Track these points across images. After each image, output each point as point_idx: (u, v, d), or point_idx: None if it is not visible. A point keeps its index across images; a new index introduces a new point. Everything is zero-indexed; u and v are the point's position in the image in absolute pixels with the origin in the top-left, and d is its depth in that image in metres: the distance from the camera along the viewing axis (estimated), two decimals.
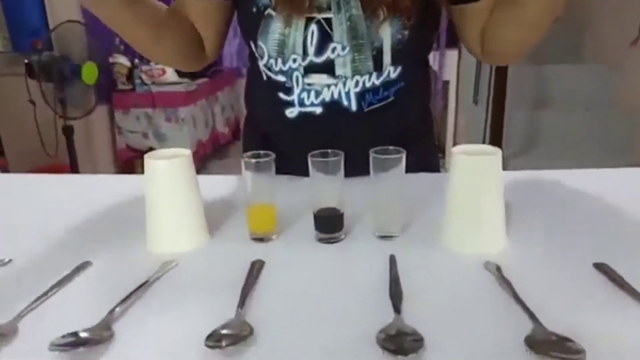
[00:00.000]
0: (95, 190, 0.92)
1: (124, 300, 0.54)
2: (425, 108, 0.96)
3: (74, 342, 0.47)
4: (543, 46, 3.40)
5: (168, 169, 0.65)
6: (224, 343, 0.46)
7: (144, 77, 3.10)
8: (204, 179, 0.73)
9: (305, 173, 0.67)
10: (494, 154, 0.63)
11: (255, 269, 0.61)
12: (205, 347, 0.46)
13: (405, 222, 0.71)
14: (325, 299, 0.55)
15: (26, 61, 2.47)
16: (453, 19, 0.86)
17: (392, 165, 0.65)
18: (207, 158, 3.60)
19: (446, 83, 3.59)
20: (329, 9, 0.78)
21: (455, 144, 3.03)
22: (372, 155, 0.65)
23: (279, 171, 0.74)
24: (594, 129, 3.16)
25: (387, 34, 0.79)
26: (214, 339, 0.46)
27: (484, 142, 2.40)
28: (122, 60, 3.06)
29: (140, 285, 0.57)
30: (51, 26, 2.61)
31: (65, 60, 2.50)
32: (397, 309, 0.51)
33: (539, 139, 3.27)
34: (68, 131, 2.65)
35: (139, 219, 0.68)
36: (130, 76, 3.12)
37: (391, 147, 0.66)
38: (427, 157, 0.96)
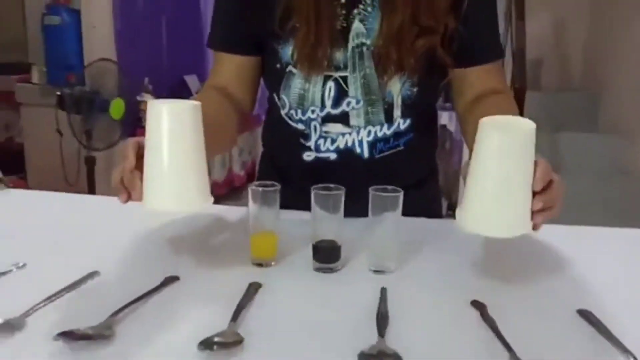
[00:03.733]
0: (109, 210, 0.97)
1: (125, 306, 0.58)
2: (432, 155, 1.01)
3: (76, 335, 0.50)
4: (559, 113, 3.45)
5: (172, 114, 0.61)
6: (215, 347, 0.49)
7: None
8: (214, 207, 0.76)
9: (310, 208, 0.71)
10: (526, 125, 0.59)
11: (252, 289, 0.64)
12: (197, 351, 0.49)
13: (401, 260, 0.74)
14: (314, 320, 0.58)
15: (58, 93, 2.61)
16: (452, 81, 0.90)
17: (390, 203, 0.69)
18: (220, 200, 3.67)
19: (460, 142, 3.65)
20: (345, 67, 0.85)
21: None
22: (371, 192, 0.70)
23: (289, 205, 0.78)
24: (607, 197, 3.16)
25: (396, 90, 0.86)
26: (206, 344, 0.50)
27: None
28: (149, 99, 3.20)
29: (142, 295, 0.61)
30: (86, 62, 2.76)
31: (95, 95, 2.63)
32: (381, 333, 0.54)
33: None
34: (90, 162, 2.75)
35: (149, 236, 0.73)
36: None
37: (390, 187, 0.70)
38: (431, 202, 1.00)
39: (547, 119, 3.63)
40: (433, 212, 0.99)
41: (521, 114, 0.83)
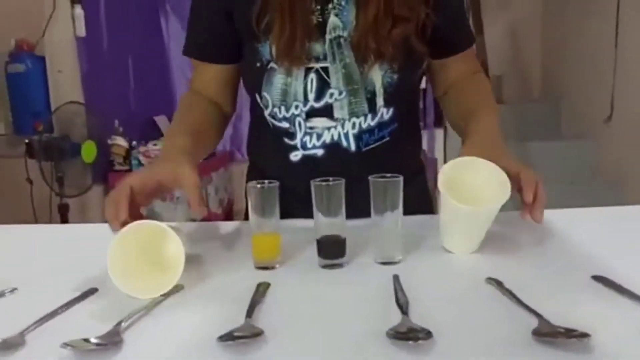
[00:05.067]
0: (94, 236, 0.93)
1: (129, 316, 0.54)
2: (417, 150, 1.02)
3: (84, 344, 0.47)
4: (523, 124, 3.55)
5: None
6: (235, 340, 0.46)
7: (141, 157, 3.17)
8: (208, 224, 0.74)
9: (309, 213, 0.70)
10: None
11: (262, 289, 0.62)
12: (217, 347, 0.46)
13: (405, 252, 0.73)
14: (331, 310, 0.56)
15: (26, 141, 2.54)
16: (430, 69, 0.96)
17: (390, 189, 0.68)
18: None
19: (434, 161, 3.70)
20: (324, 58, 0.86)
21: None
22: (371, 180, 0.69)
23: (282, 214, 0.76)
24: (578, 201, 3.23)
25: (378, 78, 0.87)
26: (227, 337, 0.47)
27: None
28: (120, 142, 3.15)
29: (147, 305, 0.58)
30: (53, 107, 2.71)
31: (64, 140, 2.57)
32: (404, 312, 0.52)
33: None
34: (63, 209, 2.66)
35: None
36: (127, 157, 3.20)
37: (389, 174, 0.70)
38: (422, 198, 1.00)
39: (513, 129, 3.73)
40: (425, 208, 0.99)
41: None
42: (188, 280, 0.66)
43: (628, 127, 3.17)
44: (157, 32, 3.43)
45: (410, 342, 0.44)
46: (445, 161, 3.74)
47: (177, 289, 0.63)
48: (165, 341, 0.50)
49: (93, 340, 0.48)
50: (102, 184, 3.23)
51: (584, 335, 0.45)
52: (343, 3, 0.85)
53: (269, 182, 0.70)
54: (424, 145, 3.68)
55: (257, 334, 0.48)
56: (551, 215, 0.90)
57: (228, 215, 4.13)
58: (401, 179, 0.68)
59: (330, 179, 0.69)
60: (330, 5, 0.85)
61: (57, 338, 0.49)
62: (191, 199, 0.72)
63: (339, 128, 0.88)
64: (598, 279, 0.61)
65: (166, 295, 0.61)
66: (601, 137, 3.43)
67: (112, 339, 0.49)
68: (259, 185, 0.69)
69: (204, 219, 0.91)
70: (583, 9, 3.64)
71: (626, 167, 3.19)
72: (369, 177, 0.69)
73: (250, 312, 0.53)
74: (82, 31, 2.83)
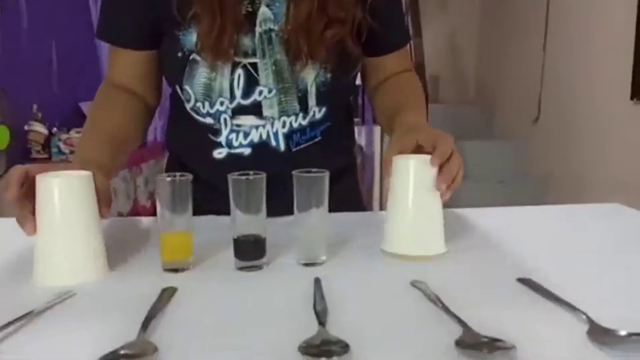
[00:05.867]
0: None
1: (5, 326, 0.46)
2: (349, 146, 0.97)
3: None
4: (458, 124, 3.66)
5: (63, 188, 0.59)
6: None
7: (62, 145, 2.95)
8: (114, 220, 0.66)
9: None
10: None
11: (166, 296, 0.55)
12: None
13: (330, 252, 0.68)
14: (244, 318, 0.50)
15: None
16: (363, 65, 0.91)
17: (316, 185, 0.63)
18: None
19: (371, 156, 3.72)
20: (253, 54, 0.79)
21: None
22: (295, 175, 0.64)
23: (203, 210, 0.71)
24: (507, 199, 3.35)
25: (310, 77, 0.81)
26: (109, 358, 0.40)
27: None
28: (39, 128, 2.92)
29: (27, 313, 0.49)
30: None
31: None
32: (321, 322, 0.47)
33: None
34: None
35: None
36: (46, 145, 2.97)
37: (314, 169, 0.65)
38: (351, 195, 0.96)
39: (447, 129, 3.81)
40: (354, 205, 0.95)
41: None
42: (81, 284, 0.58)
43: (554, 128, 3.32)
44: (85, 12, 3.21)
45: (323, 358, 0.39)
46: (382, 157, 3.78)
47: (67, 295, 0.55)
48: None
49: None
50: None
51: (509, 347, 0.42)
52: None
53: (181, 175, 0.63)
54: (362, 141, 3.71)
55: (147, 352, 0.41)
56: (478, 214, 0.89)
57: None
58: (327, 174, 0.64)
59: (251, 172, 0.63)
60: None
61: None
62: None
63: (268, 127, 0.82)
64: (523, 281, 0.59)
65: (52, 303, 0.53)
66: (529, 138, 3.58)
67: None
68: (169, 178, 0.61)
69: (132, 213, 0.83)
70: (516, 16, 3.79)
71: (552, 165, 3.34)
72: (293, 172, 0.64)
73: (146, 325, 0.46)
74: None
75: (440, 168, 0.65)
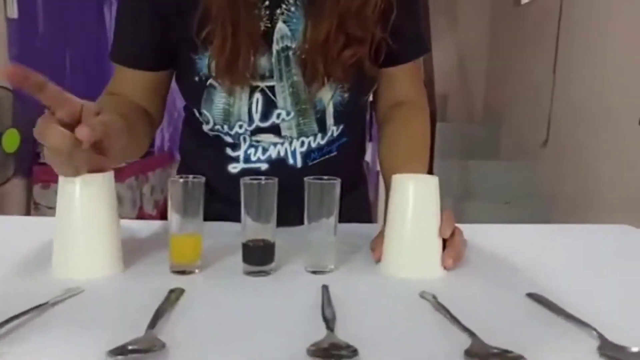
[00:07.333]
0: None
1: (10, 319, 0.46)
2: (361, 160, 0.98)
3: None
4: (465, 143, 3.66)
5: (84, 188, 0.60)
6: (128, 355, 0.39)
7: None
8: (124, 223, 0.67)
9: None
10: (432, 179, 0.64)
11: (173, 296, 0.55)
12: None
13: (338, 261, 0.68)
14: (251, 322, 0.50)
15: None
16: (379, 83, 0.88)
17: (327, 192, 0.63)
18: None
19: (377, 173, 3.73)
20: (271, 76, 0.78)
21: None
22: (307, 181, 0.64)
23: (216, 217, 0.71)
24: (513, 220, 3.34)
25: (327, 97, 0.81)
26: (117, 352, 0.40)
27: None
28: None
29: (35, 307, 0.49)
30: None
31: None
32: (330, 327, 0.47)
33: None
34: None
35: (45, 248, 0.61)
36: None
37: (325, 177, 0.65)
38: (362, 207, 0.96)
39: (454, 148, 3.83)
40: (364, 218, 0.95)
41: (432, 141, 0.93)
42: (90, 282, 0.58)
43: (562, 153, 3.31)
44: (99, 20, 3.26)
45: None
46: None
47: (75, 291, 0.55)
48: (45, 354, 0.42)
49: None
50: (25, 177, 3.02)
51: (518, 357, 0.41)
52: (293, 9, 0.76)
53: (194, 177, 0.63)
54: (368, 157, 3.72)
55: (156, 348, 0.41)
56: (487, 231, 0.88)
57: (163, 217, 3.95)
58: (338, 181, 0.64)
59: (263, 177, 0.63)
60: (278, 11, 0.76)
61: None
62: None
63: (287, 145, 0.82)
64: (532, 296, 0.59)
65: (62, 298, 0.53)
66: (537, 160, 3.57)
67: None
68: (181, 180, 0.62)
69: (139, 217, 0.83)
70: (525, 37, 3.81)
71: (559, 187, 3.33)
72: (305, 178, 0.64)
73: (154, 322, 0.47)
74: (13, 13, 2.64)
75: (445, 242, 0.65)
